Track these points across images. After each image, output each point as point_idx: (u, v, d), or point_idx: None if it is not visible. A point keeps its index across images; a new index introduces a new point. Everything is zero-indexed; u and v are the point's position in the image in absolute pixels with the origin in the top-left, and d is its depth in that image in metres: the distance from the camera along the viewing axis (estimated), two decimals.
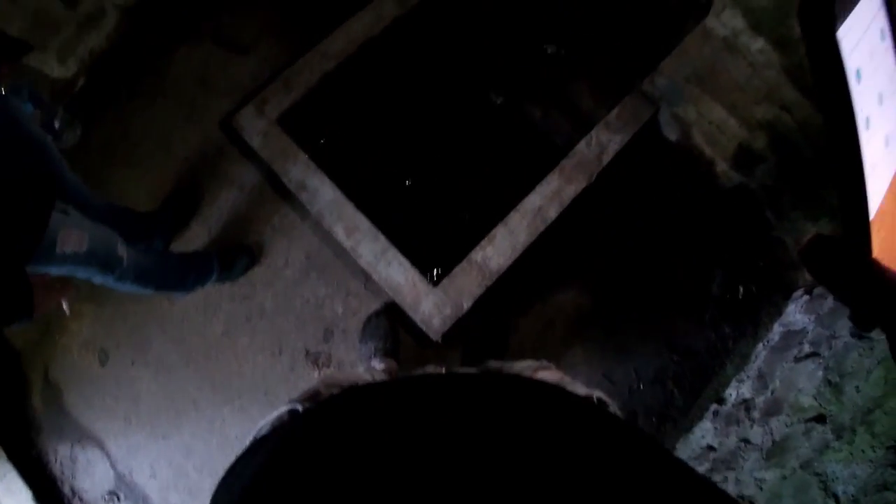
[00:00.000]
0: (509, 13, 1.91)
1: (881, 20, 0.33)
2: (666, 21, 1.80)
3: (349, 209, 1.65)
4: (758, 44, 1.69)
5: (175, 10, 2.16)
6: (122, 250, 1.50)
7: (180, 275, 1.81)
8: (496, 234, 1.65)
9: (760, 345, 2.03)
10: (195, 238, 1.96)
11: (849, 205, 0.33)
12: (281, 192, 1.77)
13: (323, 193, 1.66)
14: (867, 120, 0.31)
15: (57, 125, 1.98)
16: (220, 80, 2.01)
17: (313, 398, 0.78)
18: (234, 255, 1.88)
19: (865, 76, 0.31)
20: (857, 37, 0.30)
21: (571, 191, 1.67)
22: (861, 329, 0.37)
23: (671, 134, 1.90)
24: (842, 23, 0.29)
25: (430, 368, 0.91)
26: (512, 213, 1.66)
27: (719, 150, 1.91)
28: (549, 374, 0.89)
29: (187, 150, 1.99)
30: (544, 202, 1.66)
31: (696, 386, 2.07)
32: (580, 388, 0.78)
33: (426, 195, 1.84)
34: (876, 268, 0.33)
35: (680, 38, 1.79)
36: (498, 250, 1.65)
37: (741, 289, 2.11)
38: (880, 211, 0.34)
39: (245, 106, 1.72)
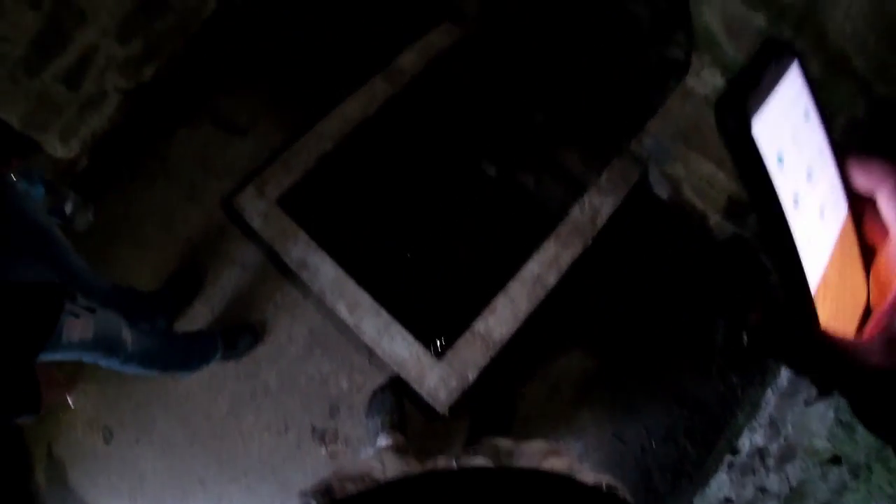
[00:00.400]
0: (496, 86, 1.98)
1: (804, 101, 0.35)
2: (648, 83, 1.86)
3: (351, 286, 1.66)
4: None
5: (175, 93, 2.24)
6: (126, 334, 1.52)
7: (184, 355, 1.82)
8: (497, 303, 1.66)
9: (769, 391, 2.02)
10: (198, 317, 1.97)
11: (787, 282, 0.33)
12: (282, 271, 1.80)
13: (324, 271, 1.68)
14: (795, 198, 0.32)
15: (68, 210, 2.01)
16: (219, 161, 2.06)
17: (326, 493, 0.78)
18: (238, 333, 1.89)
19: (788, 158, 0.32)
20: (776, 124, 0.31)
21: (569, 256, 1.70)
22: (822, 392, 0.38)
23: (662, 191, 1.94)
24: (756, 115, 0.30)
25: (441, 462, 0.91)
26: (512, 282, 1.67)
27: (710, 204, 1.94)
28: (559, 462, 0.89)
29: (189, 230, 2.03)
30: (543, 269, 1.68)
31: (709, 438, 2.05)
32: (589, 476, 0.78)
33: (426, 267, 1.86)
34: (825, 337, 0.34)
35: (663, 99, 1.85)
36: (500, 320, 1.66)
37: (745, 337, 2.10)
38: (824, 280, 0.34)
39: (245, 187, 1.76)
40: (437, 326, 1.78)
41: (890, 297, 0.35)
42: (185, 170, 2.10)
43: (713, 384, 2.07)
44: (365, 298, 1.66)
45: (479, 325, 1.66)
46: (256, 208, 1.74)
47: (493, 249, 1.85)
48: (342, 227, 1.83)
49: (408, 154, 1.94)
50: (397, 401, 1.77)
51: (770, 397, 1.99)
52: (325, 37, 2.26)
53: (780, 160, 0.31)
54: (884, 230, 0.37)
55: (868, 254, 0.39)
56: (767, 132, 0.30)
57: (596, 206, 1.75)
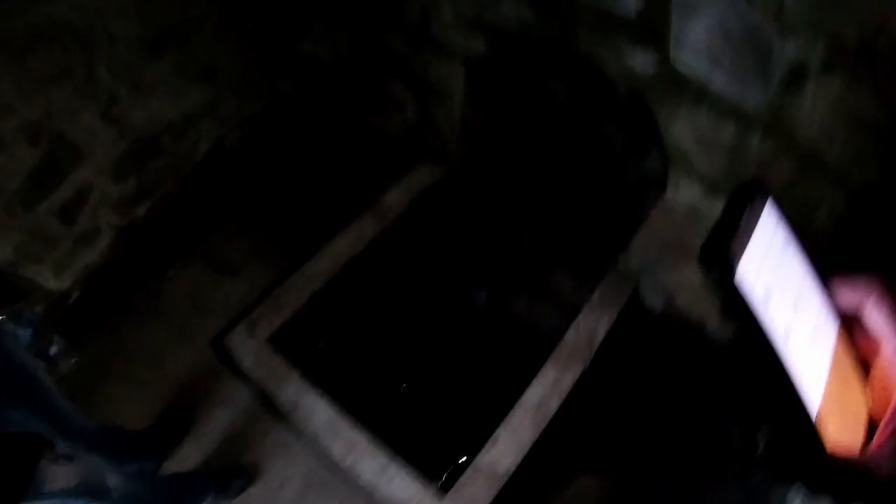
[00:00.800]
0: (481, 217, 2.03)
1: (781, 232, 0.36)
2: (629, 200, 1.91)
3: (345, 426, 1.60)
4: (719, 205, 1.77)
5: (167, 232, 2.28)
6: (111, 480, 1.49)
7: (173, 499, 1.74)
8: (499, 435, 1.60)
9: (794, 490, 1.92)
10: (188, 458, 1.89)
11: (789, 411, 0.34)
12: (274, 412, 1.75)
13: (317, 412, 1.62)
14: (786, 329, 0.33)
15: (53, 352, 1.99)
16: (211, 300, 2.07)
17: None
18: (230, 475, 1.81)
19: (775, 293, 0.33)
20: (759, 263, 0.32)
21: (569, 379, 1.66)
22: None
23: (656, 303, 1.94)
24: (739, 259, 0.31)
25: None
26: (513, 411, 1.62)
27: (706, 310, 1.93)
28: None
29: (179, 369, 1.99)
30: (544, 395, 1.64)
31: None
32: None
33: (424, 400, 1.82)
34: (833, 456, 0.34)
35: (646, 213, 1.89)
36: (503, 452, 1.59)
37: (761, 437, 2.04)
38: (825, 399, 0.34)
39: (235, 327, 1.74)
40: (438, 462, 1.70)
41: (892, 407, 0.36)
42: (177, 308, 2.10)
43: (735, 488, 1.97)
44: (361, 438, 1.59)
45: (483, 459, 1.59)
46: (246, 348, 1.71)
47: (490, 377, 1.82)
48: (335, 364, 1.80)
49: (398, 288, 1.95)
50: None
51: (796, 495, 1.90)
52: (313, 178, 2.35)
53: (767, 296, 0.32)
54: (875, 342, 0.38)
55: (864, 366, 0.40)
56: (752, 272, 0.32)
57: (591, 326, 1.73)
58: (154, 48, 2.17)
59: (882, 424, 0.37)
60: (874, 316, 0.38)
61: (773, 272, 0.35)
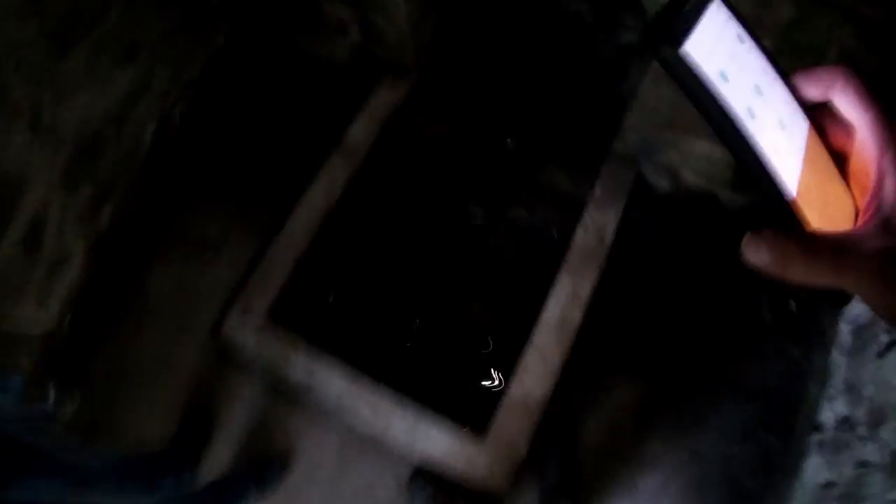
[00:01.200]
0: (459, 127, 1.85)
1: (734, 26, 0.36)
2: (610, 77, 1.73)
3: (365, 392, 1.52)
4: None
5: (140, 227, 2.16)
6: None
7: None
8: (527, 359, 1.51)
9: (835, 353, 1.87)
10: (219, 458, 1.83)
11: (763, 191, 0.34)
12: (292, 391, 1.67)
13: (333, 382, 1.54)
14: (750, 110, 0.33)
15: (51, 399, 1.91)
16: (201, 286, 1.96)
17: None
18: (266, 466, 1.76)
19: (732, 75, 0.33)
20: (710, 46, 0.32)
21: (587, 285, 1.55)
22: (837, 307, 0.33)
23: (662, 183, 1.80)
24: (687, 39, 0.31)
25: None
26: (536, 332, 1.53)
27: (716, 181, 1.81)
28: None
29: (188, 367, 1.91)
30: (564, 308, 1.54)
31: (789, 422, 1.89)
32: None
33: (437, 339, 1.72)
34: (817, 237, 0.34)
35: (632, 89, 1.73)
36: (535, 377, 1.51)
37: (793, 303, 1.97)
38: (804, 189, 0.34)
39: (230, 313, 1.64)
40: (469, 402, 1.62)
41: (872, 181, 0.35)
42: (169, 303, 2.00)
43: (774, 364, 1.92)
44: (384, 398, 1.52)
45: (515, 389, 1.51)
46: (246, 332, 1.61)
47: (507, 297, 1.70)
48: (340, 323, 1.70)
49: (387, 226, 1.81)
50: (435, 486, 1.60)
51: (838, 359, 1.85)
52: (271, 129, 2.18)
53: (724, 77, 0.32)
54: (847, 131, 0.37)
55: (842, 164, 0.39)
56: (703, 53, 0.31)
57: (599, 223, 1.61)
58: (63, 42, 1.98)
59: (864, 202, 0.36)
60: (843, 101, 0.37)
61: (729, 57, 0.34)
